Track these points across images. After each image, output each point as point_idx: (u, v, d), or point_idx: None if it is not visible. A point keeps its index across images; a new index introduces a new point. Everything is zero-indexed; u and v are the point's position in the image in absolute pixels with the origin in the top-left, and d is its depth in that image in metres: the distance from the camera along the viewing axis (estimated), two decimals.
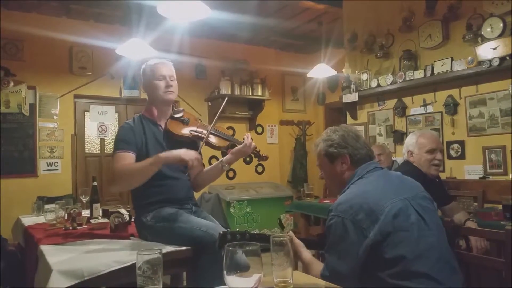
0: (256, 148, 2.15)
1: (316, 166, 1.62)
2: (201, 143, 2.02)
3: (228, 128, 5.77)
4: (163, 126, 2.08)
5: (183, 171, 2.00)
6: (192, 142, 2.07)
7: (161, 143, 2.02)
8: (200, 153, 2.03)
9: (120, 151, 1.91)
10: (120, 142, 1.94)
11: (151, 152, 1.93)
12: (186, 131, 2.07)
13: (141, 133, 2.01)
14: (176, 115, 2.12)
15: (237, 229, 1.45)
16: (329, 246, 1.34)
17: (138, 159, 1.92)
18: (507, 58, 3.01)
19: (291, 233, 1.48)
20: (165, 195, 1.99)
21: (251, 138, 2.12)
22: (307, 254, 1.46)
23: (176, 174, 2.04)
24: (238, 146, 2.12)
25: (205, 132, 2.08)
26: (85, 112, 4.94)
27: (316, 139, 1.62)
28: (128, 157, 1.90)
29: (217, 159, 2.23)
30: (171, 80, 2.07)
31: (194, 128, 2.11)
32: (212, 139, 2.12)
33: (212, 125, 2.09)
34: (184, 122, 2.10)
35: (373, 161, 1.50)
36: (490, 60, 3.09)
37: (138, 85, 4.99)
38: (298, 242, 1.46)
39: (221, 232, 1.39)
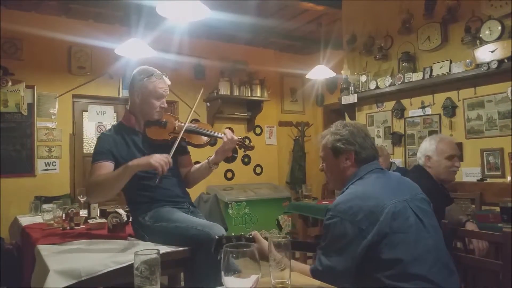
0: (240, 139, 2.11)
1: (319, 156, 1.59)
2: (173, 147, 1.95)
3: (227, 129, 5.76)
4: (141, 130, 2.08)
5: (153, 179, 1.86)
6: (173, 144, 2.02)
7: (141, 149, 2.02)
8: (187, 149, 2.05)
9: (96, 162, 1.92)
10: (97, 154, 1.95)
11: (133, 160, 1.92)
12: (164, 134, 2.06)
13: (121, 142, 2.01)
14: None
15: (233, 233, 1.43)
16: (326, 244, 1.33)
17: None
18: (506, 60, 3.01)
19: (255, 232, 1.47)
20: (160, 194, 2.00)
21: (231, 133, 2.07)
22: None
23: (167, 172, 2.04)
24: (220, 147, 2.09)
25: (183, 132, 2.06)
26: (84, 112, 4.93)
27: (317, 136, 1.60)
28: (105, 166, 1.90)
29: None
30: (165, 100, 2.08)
31: (172, 130, 2.09)
32: (190, 139, 2.11)
33: (185, 123, 2.07)
34: (162, 125, 2.08)
35: (374, 162, 1.50)
36: (488, 63, 3.10)
37: None
38: (265, 241, 1.42)
39: (217, 237, 1.38)
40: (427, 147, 2.34)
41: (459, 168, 2.33)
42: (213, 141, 2.21)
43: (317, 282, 1.26)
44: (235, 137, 2.07)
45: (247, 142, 2.19)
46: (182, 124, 2.10)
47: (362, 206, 1.29)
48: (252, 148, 2.19)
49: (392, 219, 1.27)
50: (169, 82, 2.10)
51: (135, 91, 2.06)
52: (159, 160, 1.77)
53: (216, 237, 1.39)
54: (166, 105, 2.09)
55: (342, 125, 1.52)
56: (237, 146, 2.12)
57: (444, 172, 2.28)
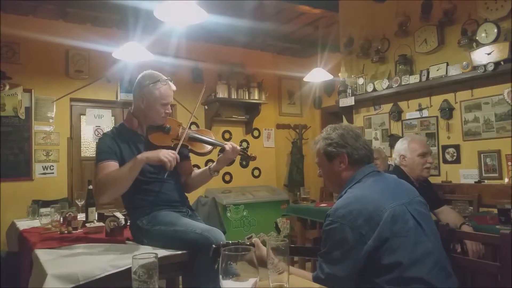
0: (242, 150, 2.13)
1: (315, 163, 1.60)
2: (177, 148, 1.96)
3: (225, 132, 5.77)
4: (143, 134, 2.08)
5: (161, 173, 1.95)
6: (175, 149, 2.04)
7: (142, 152, 2.01)
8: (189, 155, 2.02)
9: (102, 161, 1.92)
10: (101, 153, 1.95)
11: None
12: (167, 141, 2.06)
13: (123, 143, 2.01)
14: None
15: (231, 241, 1.42)
16: (327, 251, 1.32)
17: None
18: (502, 63, 3.03)
19: (256, 239, 1.47)
20: (158, 198, 1.99)
21: (232, 144, 2.09)
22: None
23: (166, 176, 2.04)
24: (221, 155, 2.10)
25: (186, 138, 2.06)
26: (81, 116, 4.92)
27: (315, 138, 1.61)
28: (111, 166, 1.91)
29: (213, 162, 2.20)
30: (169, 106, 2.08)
31: (175, 136, 2.09)
32: (194, 147, 2.11)
33: (186, 128, 2.07)
34: (165, 131, 2.08)
35: (370, 164, 1.49)
36: (485, 65, 3.11)
37: None
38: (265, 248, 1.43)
39: (214, 246, 1.38)
40: (400, 147, 2.53)
41: (432, 164, 2.50)
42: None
43: (316, 286, 1.26)
44: (238, 147, 2.09)
45: (248, 151, 2.19)
46: (186, 131, 2.10)
47: (361, 210, 1.28)
48: (254, 158, 2.21)
49: (392, 223, 1.26)
50: (174, 88, 2.09)
51: (140, 96, 2.04)
52: (168, 155, 1.83)
53: (213, 246, 1.39)
54: (171, 110, 2.09)
55: (332, 129, 1.52)
56: (239, 156, 2.14)
57: (418, 169, 2.45)
